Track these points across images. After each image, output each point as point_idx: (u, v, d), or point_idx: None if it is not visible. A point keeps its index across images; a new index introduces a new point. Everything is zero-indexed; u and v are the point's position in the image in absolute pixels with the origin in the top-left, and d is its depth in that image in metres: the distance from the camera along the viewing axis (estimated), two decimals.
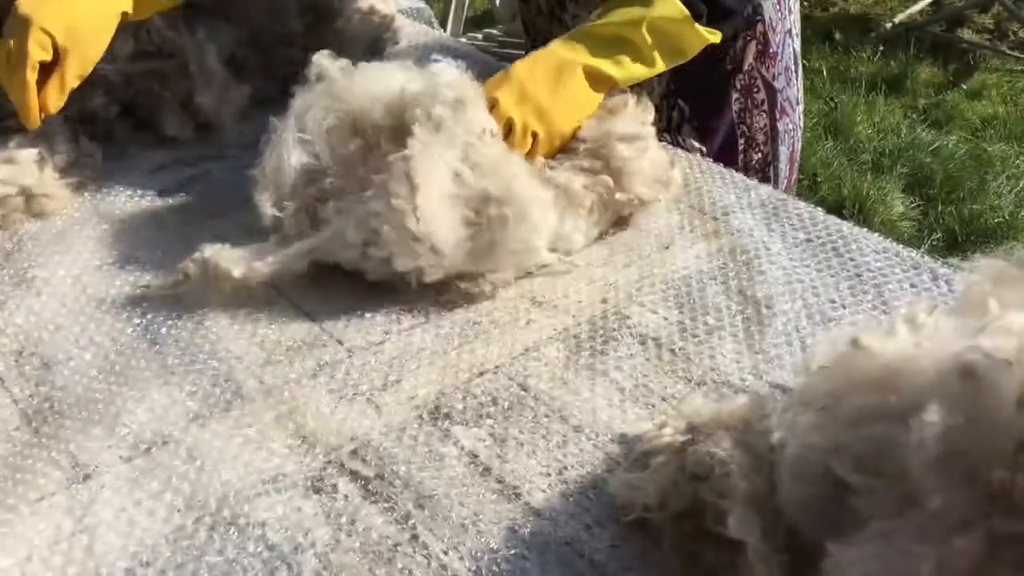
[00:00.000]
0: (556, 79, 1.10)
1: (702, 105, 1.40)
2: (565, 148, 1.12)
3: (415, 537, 0.75)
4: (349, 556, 0.73)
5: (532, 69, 1.11)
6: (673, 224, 1.14)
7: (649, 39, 1.13)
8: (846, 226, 1.12)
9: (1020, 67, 4.34)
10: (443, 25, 3.42)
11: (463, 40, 2.58)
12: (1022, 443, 0.52)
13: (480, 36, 3.45)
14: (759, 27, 1.34)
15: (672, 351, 0.94)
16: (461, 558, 0.73)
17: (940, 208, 3.27)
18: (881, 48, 4.45)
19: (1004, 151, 3.61)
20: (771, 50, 1.38)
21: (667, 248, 1.09)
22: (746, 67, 1.37)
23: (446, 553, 0.73)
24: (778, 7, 1.37)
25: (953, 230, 3.15)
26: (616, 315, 0.99)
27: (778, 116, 1.42)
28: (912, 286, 1.01)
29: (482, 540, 0.74)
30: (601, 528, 0.75)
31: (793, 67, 1.44)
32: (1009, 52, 4.48)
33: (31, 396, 0.90)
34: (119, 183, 1.26)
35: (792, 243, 1.09)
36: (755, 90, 1.39)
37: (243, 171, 1.25)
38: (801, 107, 1.48)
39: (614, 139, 1.10)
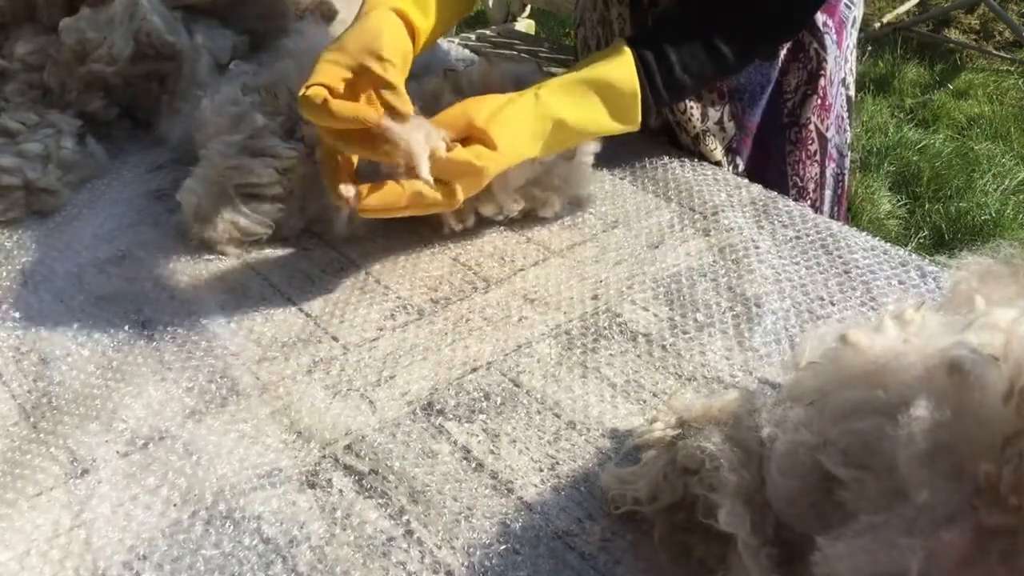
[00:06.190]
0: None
1: (755, 155, 1.36)
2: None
3: (409, 531, 0.75)
4: (344, 550, 0.74)
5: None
6: (664, 222, 1.15)
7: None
8: (835, 224, 1.13)
9: (1005, 67, 4.35)
10: None
11: (456, 41, 2.58)
12: (1008, 437, 0.53)
13: (473, 37, 3.44)
14: (821, 81, 1.31)
15: (663, 347, 0.94)
16: (454, 552, 0.73)
17: (927, 206, 3.28)
18: (869, 48, 4.46)
19: (990, 150, 3.63)
20: (827, 102, 1.34)
21: (657, 246, 1.10)
22: (803, 120, 1.33)
23: (439, 547, 0.74)
24: (838, 58, 1.33)
25: (940, 228, 3.16)
26: (607, 312, 0.99)
27: (826, 163, 1.39)
28: (900, 283, 1.02)
29: (475, 534, 0.75)
30: (592, 522, 0.76)
31: (845, 115, 1.40)
32: (995, 52, 4.49)
33: (29, 392, 0.90)
34: (117, 181, 1.27)
35: (782, 241, 1.10)
36: (809, 141, 1.35)
37: None
38: (850, 154, 1.44)
39: None
